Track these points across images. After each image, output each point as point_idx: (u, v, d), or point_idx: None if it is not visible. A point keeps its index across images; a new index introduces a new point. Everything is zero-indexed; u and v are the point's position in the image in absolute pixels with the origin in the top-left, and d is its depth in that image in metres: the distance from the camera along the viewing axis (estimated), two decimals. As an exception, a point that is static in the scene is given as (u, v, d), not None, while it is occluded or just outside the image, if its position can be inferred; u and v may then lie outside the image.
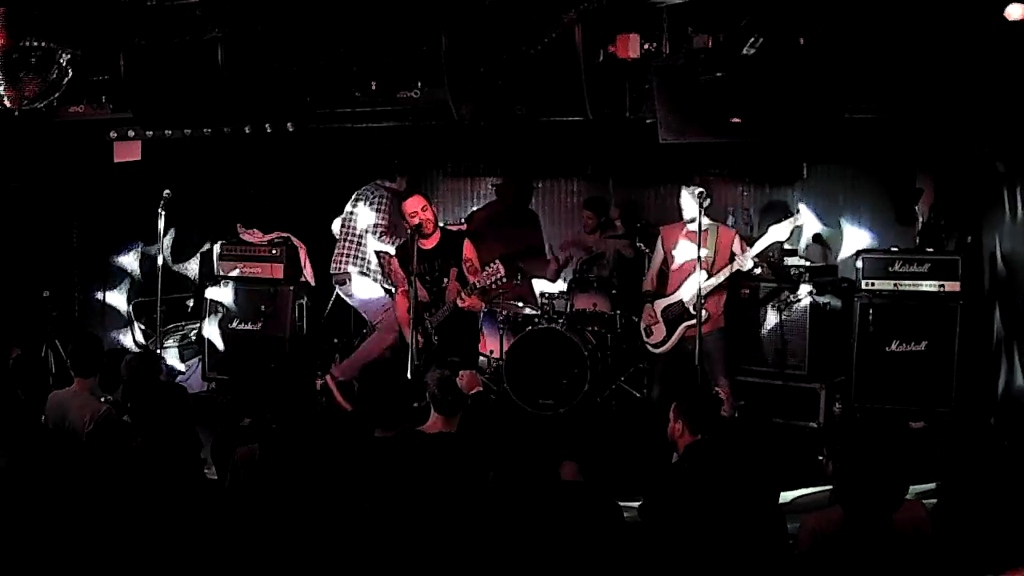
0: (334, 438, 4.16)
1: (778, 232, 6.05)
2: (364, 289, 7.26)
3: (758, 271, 6.32)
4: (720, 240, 6.17)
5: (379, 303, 7.22)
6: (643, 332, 6.49)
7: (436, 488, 3.74)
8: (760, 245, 6.06)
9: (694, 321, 6.01)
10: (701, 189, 5.92)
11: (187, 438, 4.06)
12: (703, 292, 5.95)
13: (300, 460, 3.83)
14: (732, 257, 6.10)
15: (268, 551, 3.40)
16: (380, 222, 7.17)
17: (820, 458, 5.53)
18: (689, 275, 6.12)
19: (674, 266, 6.30)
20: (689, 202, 6.07)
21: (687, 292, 6.16)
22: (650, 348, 6.45)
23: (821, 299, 6.86)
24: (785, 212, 7.32)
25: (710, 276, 6.06)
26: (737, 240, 6.19)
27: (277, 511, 3.62)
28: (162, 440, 3.89)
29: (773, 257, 6.81)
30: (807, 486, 4.87)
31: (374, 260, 7.17)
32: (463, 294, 6.09)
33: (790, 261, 7.15)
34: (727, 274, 6.09)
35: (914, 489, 4.85)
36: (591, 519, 3.52)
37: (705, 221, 5.93)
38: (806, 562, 3.32)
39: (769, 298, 6.92)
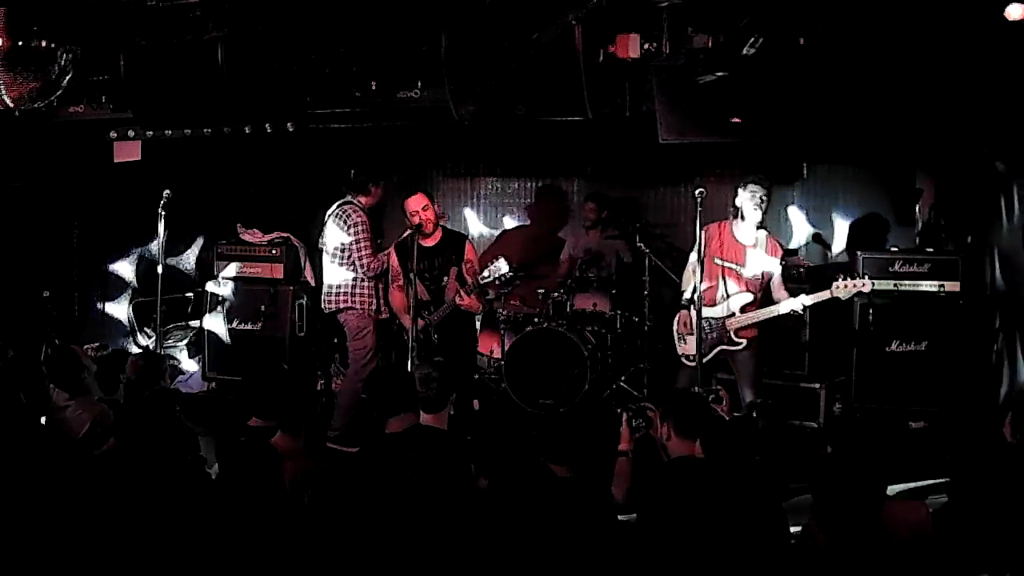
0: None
1: (838, 291, 5.59)
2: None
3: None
4: (767, 254, 5.80)
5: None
6: (675, 337, 6.04)
7: (427, 482, 3.77)
8: (817, 298, 5.63)
9: (733, 348, 5.77)
10: (702, 188, 5.54)
11: (179, 438, 4.05)
12: (755, 320, 5.71)
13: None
14: (774, 284, 5.78)
15: (268, 547, 3.40)
16: (347, 243, 6.35)
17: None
18: (739, 291, 5.76)
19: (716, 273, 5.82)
20: (749, 206, 5.67)
21: (733, 308, 5.76)
22: (681, 357, 6.00)
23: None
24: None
25: (753, 298, 5.74)
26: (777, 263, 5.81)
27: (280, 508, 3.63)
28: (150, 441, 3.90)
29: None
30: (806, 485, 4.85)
31: (334, 291, 6.47)
32: (462, 293, 6.08)
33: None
34: (778, 312, 5.69)
35: (914, 487, 4.87)
36: (579, 511, 3.55)
37: (759, 232, 5.73)
38: (804, 563, 3.32)
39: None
